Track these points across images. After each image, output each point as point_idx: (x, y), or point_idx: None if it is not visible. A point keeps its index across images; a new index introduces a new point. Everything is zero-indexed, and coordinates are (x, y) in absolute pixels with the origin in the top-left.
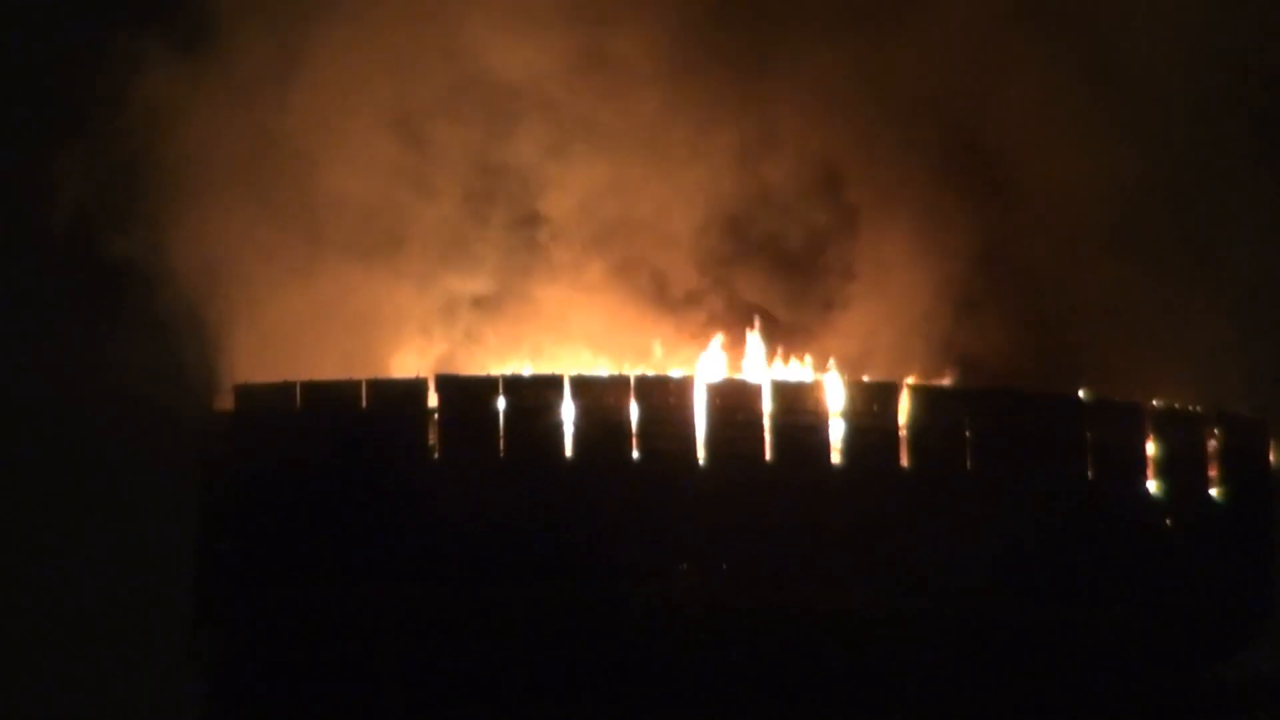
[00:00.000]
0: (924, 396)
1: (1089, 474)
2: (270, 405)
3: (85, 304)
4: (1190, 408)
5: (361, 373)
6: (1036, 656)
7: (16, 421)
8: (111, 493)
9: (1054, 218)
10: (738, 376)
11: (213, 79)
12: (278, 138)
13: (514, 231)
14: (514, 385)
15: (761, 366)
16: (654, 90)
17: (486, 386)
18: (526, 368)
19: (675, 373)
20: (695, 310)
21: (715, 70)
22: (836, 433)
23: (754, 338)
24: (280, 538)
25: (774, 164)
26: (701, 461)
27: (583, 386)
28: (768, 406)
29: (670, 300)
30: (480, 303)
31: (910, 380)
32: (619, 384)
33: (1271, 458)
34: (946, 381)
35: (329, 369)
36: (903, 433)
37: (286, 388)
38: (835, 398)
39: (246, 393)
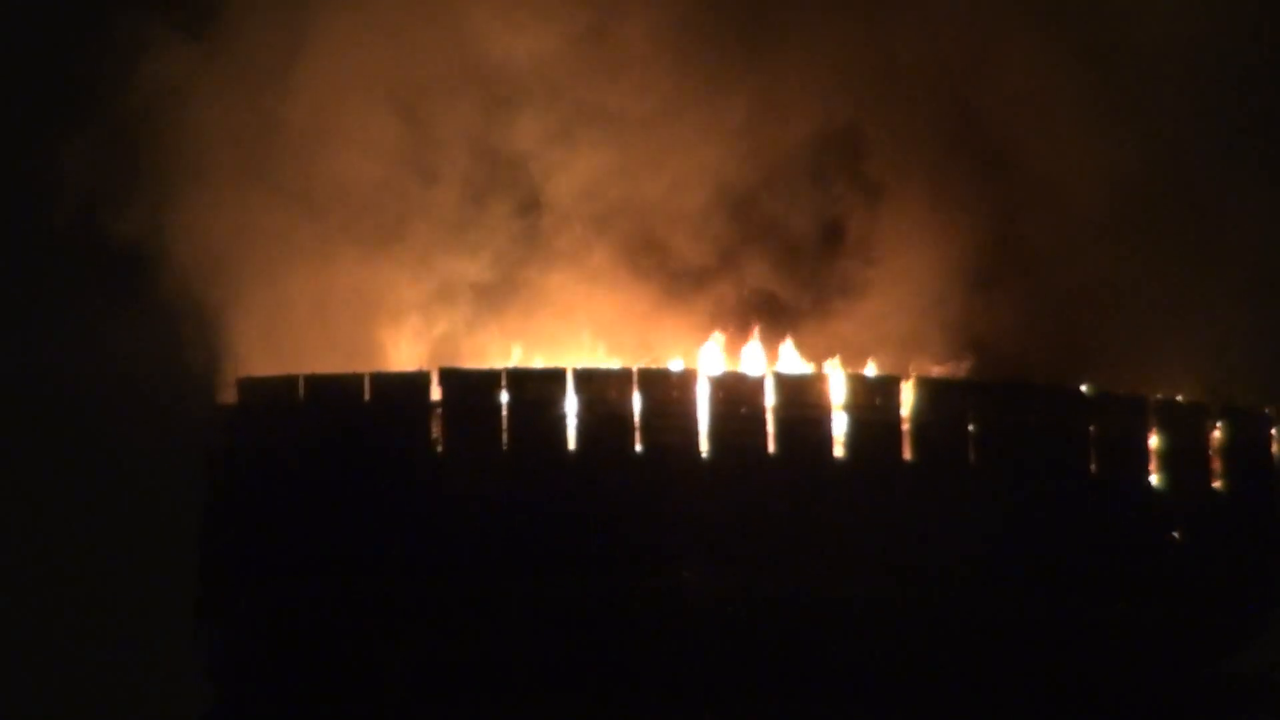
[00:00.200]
0: (927, 389)
1: (1092, 467)
2: (273, 398)
3: (87, 293)
4: (1195, 401)
5: (365, 362)
6: (1039, 650)
7: (18, 413)
8: (114, 485)
9: (1064, 204)
10: (740, 370)
11: (217, 64)
12: (282, 123)
13: (518, 218)
14: (517, 378)
15: (765, 359)
16: (659, 71)
17: (489, 379)
18: (536, 361)
19: (676, 364)
20: (702, 297)
21: (720, 53)
22: (839, 426)
23: (758, 329)
24: (283, 531)
25: (782, 148)
26: (705, 454)
27: (586, 379)
28: (770, 399)
29: (676, 287)
30: (484, 291)
31: (917, 368)
32: (622, 377)
33: (1277, 451)
34: (960, 366)
35: (334, 357)
36: (905, 425)
37: (289, 380)
38: (838, 390)
39: (249, 385)
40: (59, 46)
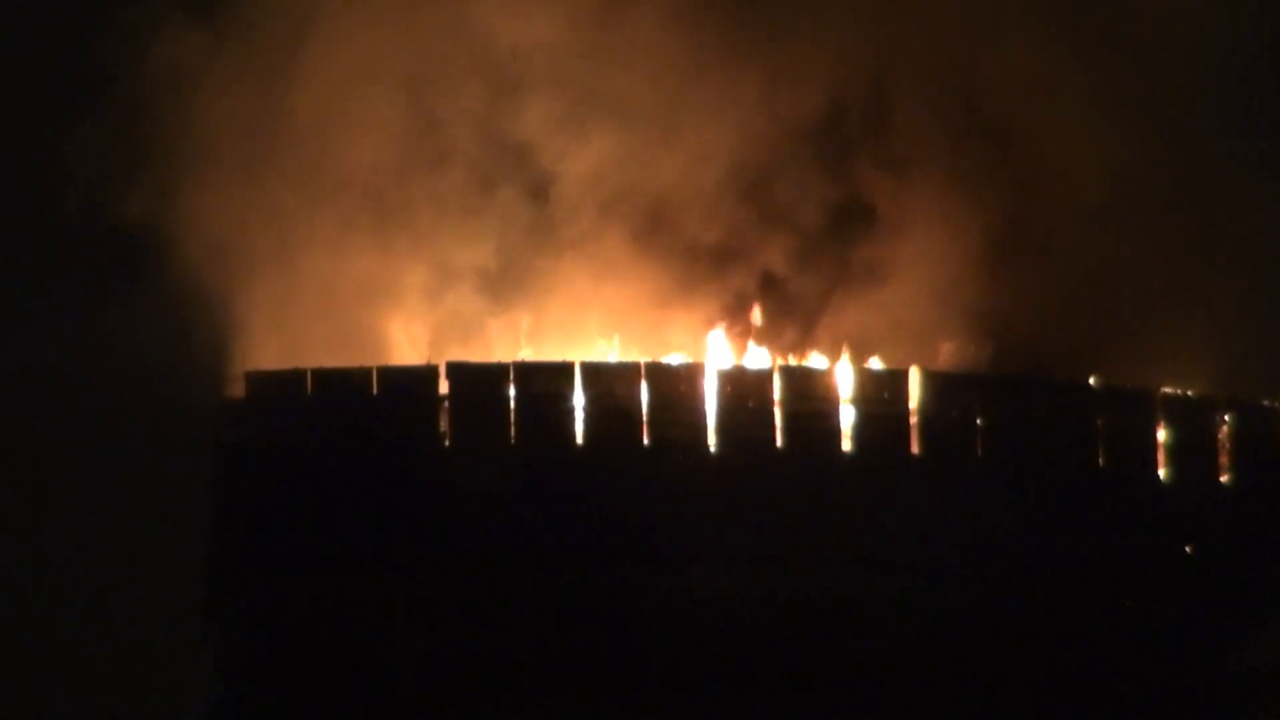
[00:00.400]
0: (935, 383)
1: (1100, 461)
2: (280, 392)
3: (93, 282)
4: (1203, 394)
5: (373, 353)
6: (1046, 643)
7: (23, 404)
8: (122, 479)
9: (1072, 195)
10: (748, 363)
11: (225, 50)
12: (290, 110)
13: (529, 206)
14: (524, 372)
15: (773, 353)
16: (667, 56)
17: (497, 373)
18: (545, 353)
19: (678, 357)
20: (711, 285)
21: (729, 38)
22: (847, 419)
23: (767, 318)
24: (291, 525)
25: (792, 133)
26: (712, 448)
27: (593, 373)
28: (778, 393)
29: (684, 275)
30: (493, 280)
31: (929, 353)
32: (630, 371)
33: None
34: (970, 350)
35: (342, 348)
36: (914, 419)
37: (297, 374)
38: (846, 384)
39: (257, 379)
40: (66, 33)
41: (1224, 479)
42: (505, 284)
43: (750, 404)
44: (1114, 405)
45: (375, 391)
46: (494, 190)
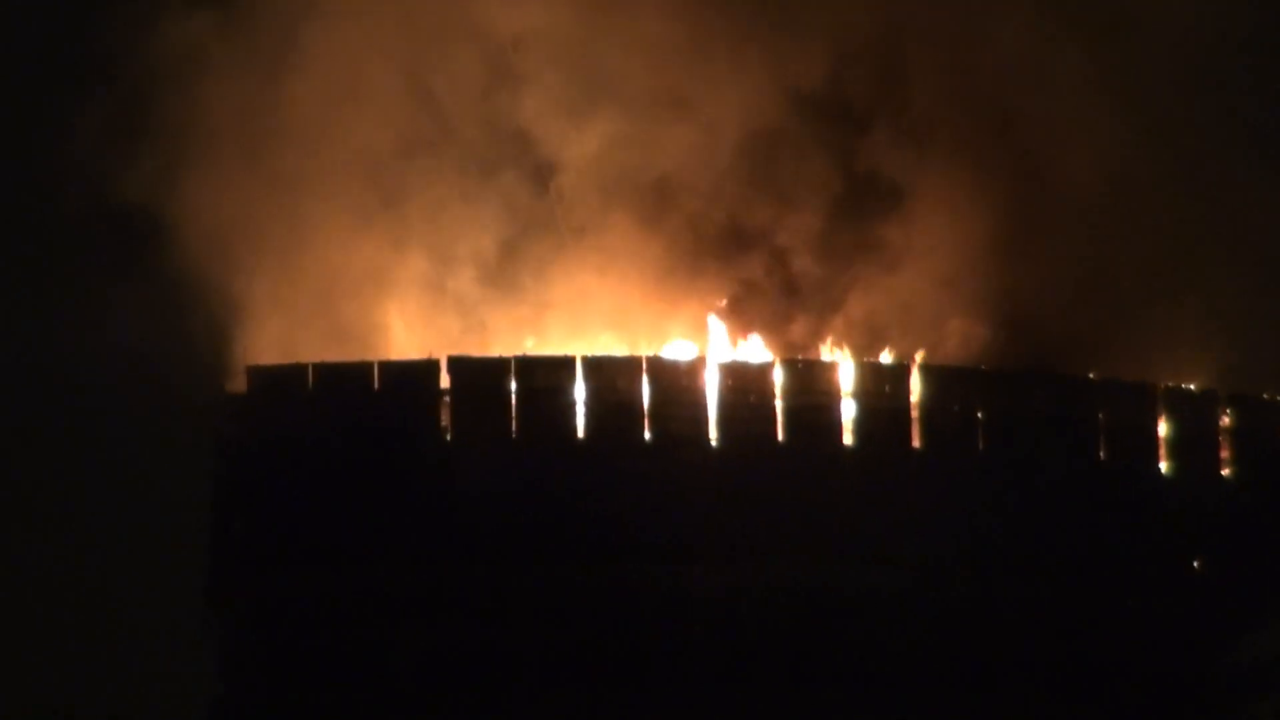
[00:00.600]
0: (935, 377)
1: (1101, 455)
2: (282, 386)
3: (93, 275)
4: (1204, 388)
5: (372, 344)
6: (1048, 636)
7: (26, 402)
8: (125, 474)
9: (1078, 185)
10: (749, 357)
11: (227, 39)
12: (291, 100)
13: (533, 196)
14: (526, 366)
15: (778, 342)
16: (671, 50)
17: (498, 367)
18: (543, 345)
19: (680, 344)
20: (714, 274)
21: (734, 26)
22: (848, 413)
23: (769, 308)
24: (293, 519)
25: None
26: (714, 442)
27: (595, 367)
28: (779, 387)
29: (687, 262)
30: (493, 269)
31: (935, 339)
32: (631, 364)
33: None
34: (984, 333)
35: (341, 338)
36: (914, 413)
37: (298, 369)
38: (847, 378)
39: (258, 374)
40: (67, 22)
41: (1225, 473)
42: (508, 274)
43: (751, 398)
44: (1115, 399)
45: (376, 386)
46: (497, 179)
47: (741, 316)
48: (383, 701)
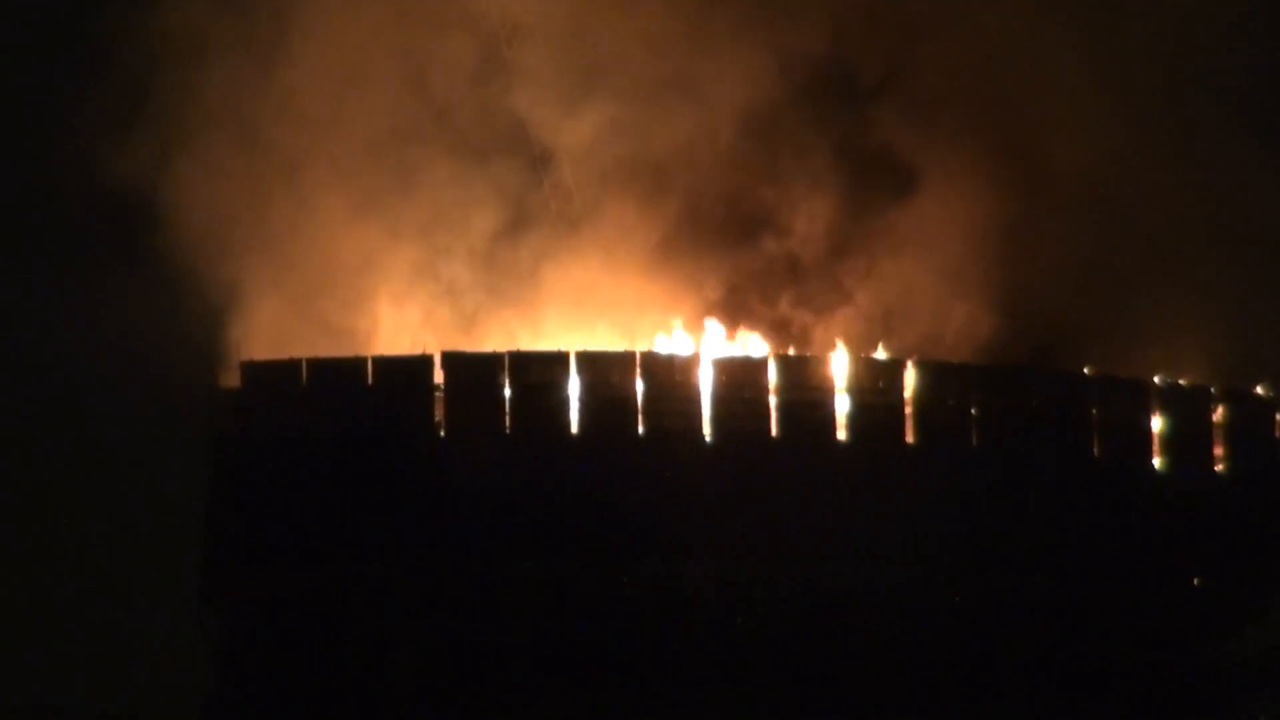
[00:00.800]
0: (929, 372)
1: (1095, 450)
2: (276, 381)
3: (89, 275)
4: (1197, 383)
5: (366, 338)
6: (1043, 631)
7: (20, 398)
8: (118, 469)
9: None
10: (743, 352)
11: (224, 27)
12: (283, 90)
13: (530, 186)
14: (519, 361)
15: (770, 337)
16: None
17: (492, 362)
18: (533, 342)
19: (676, 335)
20: (711, 267)
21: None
22: (842, 408)
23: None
24: (287, 514)
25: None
26: (707, 437)
27: (588, 362)
28: (774, 382)
29: (683, 256)
30: (491, 264)
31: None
32: (625, 360)
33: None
34: (988, 320)
35: (335, 332)
36: (908, 409)
37: (292, 364)
38: (841, 372)
39: (252, 369)
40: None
41: (1218, 469)
42: (504, 265)
43: (745, 393)
44: (1109, 394)
45: (370, 381)
46: (493, 167)
47: (738, 307)
48: (377, 695)
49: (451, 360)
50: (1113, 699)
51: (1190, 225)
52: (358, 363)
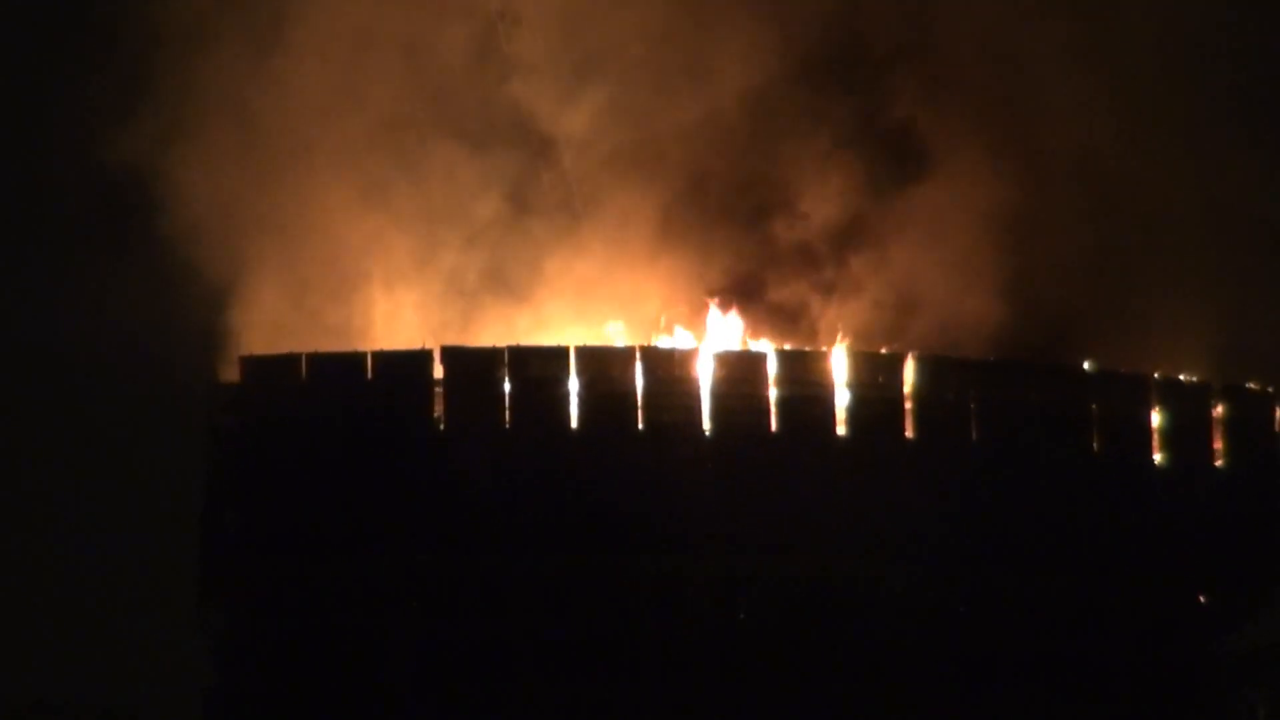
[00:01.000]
0: (929, 366)
1: (1094, 445)
2: (275, 376)
3: (88, 268)
4: (1197, 379)
5: (365, 333)
6: (1042, 626)
7: (17, 392)
8: (116, 465)
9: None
10: (742, 347)
11: (222, 16)
12: (282, 79)
13: (531, 179)
14: (519, 356)
15: (772, 329)
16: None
17: (491, 357)
18: (534, 335)
19: (678, 332)
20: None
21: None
22: (842, 403)
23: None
24: (287, 508)
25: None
26: (707, 432)
27: (588, 357)
28: (773, 376)
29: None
30: (492, 257)
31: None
32: (624, 354)
33: (1278, 429)
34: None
35: (334, 326)
36: (908, 403)
37: (291, 358)
38: (840, 368)
39: (251, 363)
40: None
41: (1218, 463)
42: (506, 257)
43: (745, 388)
44: (1109, 390)
45: (370, 375)
46: (495, 157)
47: (741, 295)
48: (376, 689)
49: (451, 355)
50: (1110, 691)
51: (1192, 221)
52: (357, 357)
